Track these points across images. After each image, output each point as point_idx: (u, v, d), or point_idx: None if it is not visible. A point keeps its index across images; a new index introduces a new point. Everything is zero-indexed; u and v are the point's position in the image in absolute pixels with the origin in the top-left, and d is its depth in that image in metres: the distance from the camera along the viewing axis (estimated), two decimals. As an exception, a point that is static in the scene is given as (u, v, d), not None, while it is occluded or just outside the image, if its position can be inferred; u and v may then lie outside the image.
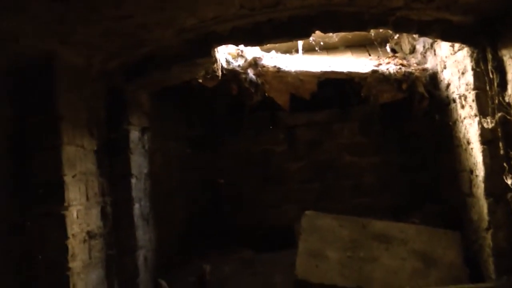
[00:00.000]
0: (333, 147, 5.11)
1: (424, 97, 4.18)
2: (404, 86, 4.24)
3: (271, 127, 5.06)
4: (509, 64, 3.17)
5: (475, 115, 3.48)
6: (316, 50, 4.56)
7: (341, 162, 5.09)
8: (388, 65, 4.23)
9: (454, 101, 3.79)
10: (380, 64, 4.28)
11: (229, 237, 4.86)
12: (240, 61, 4.15)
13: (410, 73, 4.17)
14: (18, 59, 2.98)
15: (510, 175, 3.34)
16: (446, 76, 3.95)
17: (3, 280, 2.81)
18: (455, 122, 3.87)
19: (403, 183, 4.91)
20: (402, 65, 4.26)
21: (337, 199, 4.97)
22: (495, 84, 3.33)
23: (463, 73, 3.60)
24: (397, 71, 4.17)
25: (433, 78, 4.19)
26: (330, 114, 5.00)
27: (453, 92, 3.82)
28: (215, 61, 3.77)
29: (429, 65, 4.25)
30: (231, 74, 4.10)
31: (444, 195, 4.29)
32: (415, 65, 4.33)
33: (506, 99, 3.23)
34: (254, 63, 4.13)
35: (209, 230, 4.98)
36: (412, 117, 4.42)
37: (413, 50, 4.53)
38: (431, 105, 4.21)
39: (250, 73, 4.14)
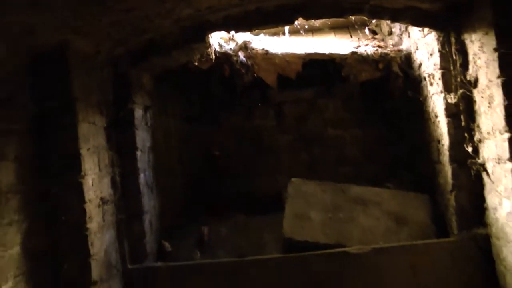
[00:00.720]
0: (319, 122, 5.32)
1: (398, 76, 4.44)
2: (380, 66, 4.51)
3: (261, 104, 5.26)
4: (470, 47, 3.48)
5: (441, 92, 3.81)
6: (302, 33, 4.84)
7: (326, 135, 5.30)
8: (367, 47, 4.52)
9: (425, 79, 4.10)
10: (359, 46, 4.55)
11: (225, 203, 5.09)
12: (232, 45, 4.43)
13: (386, 54, 4.46)
14: (36, 49, 3.22)
15: (470, 144, 3.65)
16: (418, 57, 4.26)
17: (34, 241, 3.09)
18: (425, 98, 4.19)
19: (382, 153, 5.15)
20: (379, 46, 4.55)
21: (323, 168, 5.17)
22: (458, 64, 3.65)
23: (431, 55, 3.92)
24: (374, 52, 4.46)
25: (408, 58, 4.46)
26: (316, 91, 5.22)
27: (424, 71, 4.14)
28: (209, 45, 4.09)
29: (404, 46, 4.53)
30: (224, 57, 4.39)
31: (418, 163, 4.60)
32: (391, 46, 4.60)
33: (467, 77, 3.56)
34: (245, 47, 4.43)
35: (207, 197, 5.25)
36: (390, 93, 4.63)
37: (391, 32, 4.81)
38: (406, 83, 4.45)
39: (241, 55, 4.42)
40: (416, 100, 4.31)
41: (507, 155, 3.15)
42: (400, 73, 4.42)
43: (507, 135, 3.13)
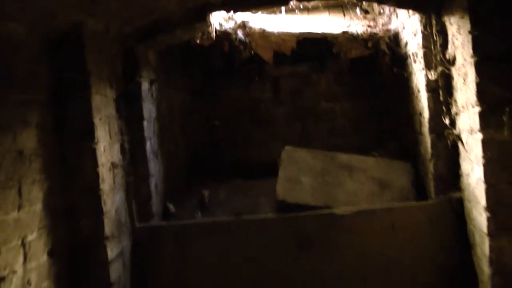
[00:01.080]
0: (312, 95, 5.59)
1: (386, 54, 4.71)
2: (369, 44, 4.80)
3: (258, 78, 5.52)
4: (449, 29, 3.72)
5: (423, 69, 4.07)
6: (297, 12, 5.10)
7: (318, 107, 5.59)
8: (357, 26, 4.81)
9: (410, 57, 4.36)
10: (350, 25, 4.83)
11: (224, 170, 5.38)
12: (231, 24, 4.72)
13: (375, 33, 4.75)
14: (54, 30, 3.44)
15: (447, 116, 3.91)
16: (405, 36, 4.53)
17: (53, 199, 3.37)
18: (410, 74, 4.46)
19: (370, 125, 5.48)
20: (369, 26, 4.83)
21: (316, 138, 5.50)
22: (438, 44, 3.89)
23: (415, 35, 4.18)
24: (364, 32, 4.76)
25: (396, 37, 4.74)
26: (309, 66, 5.50)
27: (409, 50, 4.41)
28: (210, 24, 4.37)
29: (392, 26, 4.79)
30: (223, 35, 4.68)
31: (403, 134, 4.91)
32: (381, 25, 4.87)
33: (447, 56, 3.81)
34: (243, 25, 4.73)
35: (208, 164, 5.57)
36: (378, 69, 4.93)
37: (381, 12, 5.05)
38: (393, 60, 4.70)
39: (240, 33, 4.72)
40: (402, 76, 4.52)
41: (477, 126, 3.40)
42: (388, 51, 4.68)
43: (477, 108, 3.36)
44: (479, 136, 3.43)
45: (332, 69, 5.43)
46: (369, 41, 4.74)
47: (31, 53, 3.33)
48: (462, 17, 3.45)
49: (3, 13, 2.85)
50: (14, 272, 2.87)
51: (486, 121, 3.40)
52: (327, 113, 5.54)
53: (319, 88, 5.53)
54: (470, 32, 3.37)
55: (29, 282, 3.01)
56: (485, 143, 3.41)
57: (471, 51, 3.44)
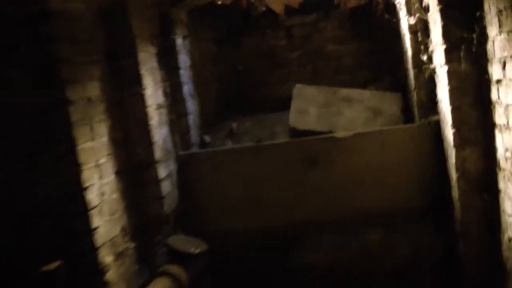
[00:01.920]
0: (320, 39, 5.88)
1: (379, 2, 5.10)
2: None
3: (273, 28, 5.91)
4: None
5: (405, 15, 4.49)
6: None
7: (326, 50, 5.87)
8: (355, -21, 5.24)
9: (397, 5, 4.80)
10: (349, -22, 5.28)
11: (248, 106, 5.80)
12: (247, -16, 5.13)
13: (370, -15, 5.11)
14: (105, 2, 3.95)
15: (425, 54, 4.29)
16: (394, -13, 4.97)
17: (114, 133, 3.91)
18: (398, 20, 4.88)
19: (371, 63, 5.72)
20: (365, -21, 5.24)
21: (324, 76, 5.80)
22: None
23: (399, -14, 4.63)
24: (358, -17, 5.16)
25: None
26: (317, 16, 5.85)
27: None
28: (229, -14, 4.82)
29: (385, -22, 5.13)
30: (241, -7, 5.10)
31: (396, 70, 5.26)
32: (375, -22, 5.19)
33: (423, 4, 4.19)
34: (257, -16, 5.14)
35: (234, 102, 5.97)
36: (376, 15, 5.32)
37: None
38: (386, 8, 5.08)
39: (255, -9, 5.14)
40: (393, 21, 4.96)
41: (444, 61, 3.84)
42: (380, 0, 5.07)
43: (443, 46, 3.79)
44: (445, 68, 3.83)
45: (336, 17, 5.77)
46: (365, -9, 5.11)
47: (89, 24, 3.77)
48: (432, -27, 3.89)
49: None
50: (93, 184, 3.49)
51: (450, 56, 3.78)
52: (333, 54, 5.87)
53: (326, 33, 5.82)
54: (436, -16, 3.78)
55: (103, 193, 3.63)
56: (449, 74, 3.83)
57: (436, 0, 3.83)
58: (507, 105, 3.33)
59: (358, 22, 5.75)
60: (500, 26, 3.25)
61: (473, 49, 3.66)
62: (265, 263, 4.71)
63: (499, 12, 3.23)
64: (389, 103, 4.90)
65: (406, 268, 4.41)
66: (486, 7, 3.45)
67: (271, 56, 6.06)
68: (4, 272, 3.30)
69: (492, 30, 3.42)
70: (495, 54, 3.44)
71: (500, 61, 3.36)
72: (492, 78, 3.57)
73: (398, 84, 5.20)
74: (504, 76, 3.32)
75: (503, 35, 3.22)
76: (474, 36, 3.59)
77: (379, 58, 5.69)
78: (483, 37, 3.58)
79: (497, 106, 3.55)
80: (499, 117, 3.53)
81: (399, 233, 4.44)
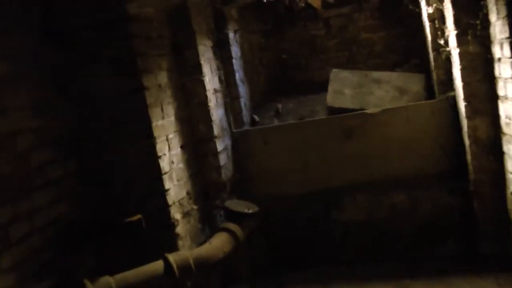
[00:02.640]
0: (355, 29, 6.12)
1: None
2: None
3: (313, 20, 6.17)
4: None
5: (425, 5, 4.76)
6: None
7: (360, 38, 6.12)
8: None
9: None
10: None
11: (292, 89, 6.08)
12: (289, -17, 5.42)
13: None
14: (170, 5, 4.36)
15: (442, 38, 4.60)
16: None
17: (179, 113, 4.34)
18: (420, 10, 5.06)
19: (401, 48, 5.92)
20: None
21: (359, 61, 6.09)
22: None
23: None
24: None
25: None
26: (351, 8, 6.07)
27: (417, -9, 5.02)
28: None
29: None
30: (284, -8, 5.42)
31: (421, 53, 5.42)
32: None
33: None
34: (297, -17, 5.45)
35: (280, 86, 6.21)
36: (403, 3, 5.47)
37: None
38: None
39: (295, -11, 5.44)
40: (416, 10, 5.15)
41: (455, 44, 4.25)
42: None
43: (455, 32, 4.20)
44: (457, 50, 4.22)
45: (368, 8, 6.01)
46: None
47: (158, 24, 4.21)
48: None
49: (142, 4, 3.92)
50: (165, 154, 3.98)
51: (460, 40, 4.19)
52: (366, 42, 6.09)
53: (359, 23, 6.09)
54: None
55: (172, 162, 4.12)
56: (460, 55, 4.21)
57: (449, -8, 4.18)
58: (506, 79, 3.82)
59: (388, 12, 5.89)
60: (498, 13, 3.73)
61: (478, 33, 4.11)
62: (309, 222, 5.14)
63: (497, 0, 3.71)
64: (413, 82, 5.14)
65: (427, 224, 4.86)
66: (487, -4, 3.90)
67: (312, 45, 6.27)
68: (98, 221, 3.91)
69: (493, 17, 3.91)
70: (496, 36, 3.92)
71: (499, 43, 3.85)
72: (494, 57, 4.05)
73: (423, 66, 5.37)
74: (502, 55, 3.80)
75: (500, 21, 3.71)
76: (478, 22, 4.04)
77: (406, 44, 5.83)
78: (487, 23, 4.07)
79: (499, 81, 4.03)
80: (500, 89, 4.01)
81: (422, 194, 4.84)
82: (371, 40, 6.17)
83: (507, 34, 3.58)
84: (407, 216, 4.91)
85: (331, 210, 5.09)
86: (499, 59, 3.90)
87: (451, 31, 4.36)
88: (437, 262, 4.78)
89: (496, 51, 3.97)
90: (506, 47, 3.65)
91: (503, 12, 3.59)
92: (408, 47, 5.86)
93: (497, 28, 3.84)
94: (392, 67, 5.79)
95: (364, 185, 4.96)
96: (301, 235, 5.16)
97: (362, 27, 6.19)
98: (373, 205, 4.98)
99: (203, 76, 4.64)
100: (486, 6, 3.99)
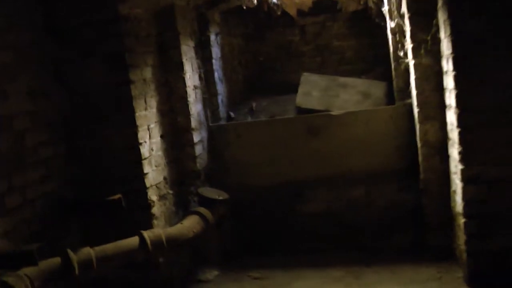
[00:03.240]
0: (328, 36, 6.40)
1: (372, 8, 5.56)
2: (361, 1, 5.79)
3: (290, 26, 6.46)
4: None
5: (389, 20, 5.05)
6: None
7: (332, 45, 6.41)
8: (353, -10, 5.78)
9: (384, 11, 5.26)
10: (348, -11, 5.81)
11: (267, 89, 6.33)
12: (266, -7, 5.66)
13: (365, -6, 5.64)
14: (158, 7, 4.57)
15: (402, 51, 4.85)
16: (385, -5, 5.56)
17: (161, 106, 4.57)
18: (385, 23, 5.20)
19: (369, 56, 6.22)
20: (361, -11, 5.75)
21: (331, 66, 6.36)
22: (396, 4, 4.78)
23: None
24: (357, -7, 5.70)
25: None
26: (325, 17, 6.35)
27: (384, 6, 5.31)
28: (252, -5, 5.40)
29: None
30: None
31: (387, 63, 5.51)
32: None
33: (401, 12, 4.71)
34: (274, -6, 5.72)
35: (256, 85, 6.51)
36: (372, 16, 5.77)
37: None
38: (379, 12, 5.50)
39: (274, -1, 5.73)
40: (381, 24, 5.48)
41: (411, 56, 4.62)
42: (374, 6, 5.54)
43: (411, 45, 4.58)
44: (413, 62, 4.54)
45: (341, 18, 6.29)
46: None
47: (146, 23, 4.47)
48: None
49: (133, 5, 4.21)
50: (145, 141, 4.26)
51: (415, 53, 4.53)
52: (338, 49, 6.36)
53: (332, 31, 6.37)
54: (406, -2, 4.49)
55: (152, 149, 4.38)
56: (415, 66, 4.57)
57: (406, 9, 4.60)
58: (450, 90, 4.27)
59: (358, 23, 6.23)
60: (445, 31, 4.19)
61: (429, 48, 4.54)
62: (275, 212, 5.49)
63: (444, 21, 4.17)
64: (376, 89, 5.44)
65: (382, 217, 5.28)
66: (439, 15, 4.33)
67: (288, 49, 6.51)
68: (83, 200, 4.31)
69: (442, 34, 4.35)
70: (444, 52, 4.38)
71: (446, 57, 4.30)
72: (443, 69, 4.51)
73: (387, 74, 5.59)
74: (448, 68, 4.26)
75: (446, 38, 4.17)
76: (428, 38, 4.49)
77: (374, 53, 6.13)
78: (438, 39, 4.52)
79: (446, 91, 4.49)
80: (447, 99, 4.45)
81: (378, 190, 5.23)
82: (342, 47, 6.44)
83: (450, 51, 4.02)
84: (365, 209, 5.30)
85: (296, 201, 5.45)
86: (446, 72, 4.35)
87: (408, 44, 4.68)
88: (390, 252, 5.19)
89: (444, 64, 4.41)
90: (450, 61, 4.09)
91: (448, 31, 4.05)
92: (375, 56, 6.15)
93: (445, 45, 4.29)
94: (360, 74, 6.08)
95: (326, 179, 5.24)
96: (268, 223, 5.45)
97: (335, 35, 6.44)
98: (333, 199, 5.30)
99: (185, 74, 4.86)
100: (437, 25, 4.43)
